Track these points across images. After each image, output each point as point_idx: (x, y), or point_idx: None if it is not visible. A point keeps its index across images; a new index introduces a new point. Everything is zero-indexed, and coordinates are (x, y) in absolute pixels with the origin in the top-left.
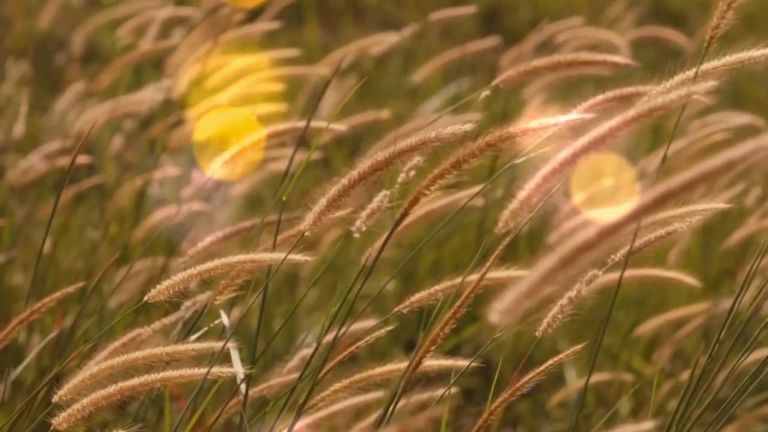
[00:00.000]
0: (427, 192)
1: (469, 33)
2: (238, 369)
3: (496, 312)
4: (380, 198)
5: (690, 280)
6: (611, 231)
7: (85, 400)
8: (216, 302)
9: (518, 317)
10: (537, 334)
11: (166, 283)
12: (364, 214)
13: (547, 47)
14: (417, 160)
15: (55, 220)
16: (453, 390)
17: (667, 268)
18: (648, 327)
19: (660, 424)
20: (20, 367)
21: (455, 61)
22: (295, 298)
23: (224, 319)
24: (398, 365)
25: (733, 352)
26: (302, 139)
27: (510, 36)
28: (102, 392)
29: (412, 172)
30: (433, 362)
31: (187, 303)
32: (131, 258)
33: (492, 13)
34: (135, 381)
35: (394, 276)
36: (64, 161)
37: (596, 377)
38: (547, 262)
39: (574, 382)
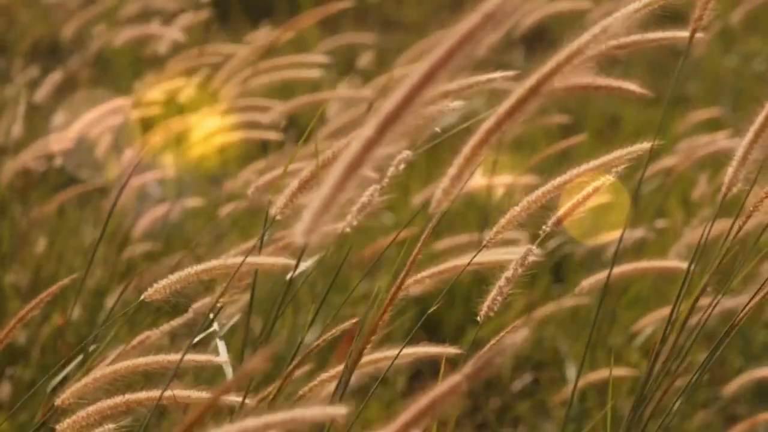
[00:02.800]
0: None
1: None
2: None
3: (298, 233)
4: (370, 192)
5: (683, 265)
6: (390, 122)
7: (90, 408)
8: (219, 305)
9: (322, 234)
10: (479, 318)
11: (162, 282)
12: (354, 208)
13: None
14: (406, 153)
15: (54, 220)
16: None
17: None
18: (647, 322)
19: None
20: (55, 381)
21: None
22: (295, 300)
23: (216, 327)
24: (386, 353)
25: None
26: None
27: (508, 35)
28: (108, 402)
29: (402, 165)
30: (425, 349)
31: (195, 305)
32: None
33: None
34: (142, 395)
35: (366, 274)
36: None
37: (596, 375)
38: (335, 170)
39: (574, 381)
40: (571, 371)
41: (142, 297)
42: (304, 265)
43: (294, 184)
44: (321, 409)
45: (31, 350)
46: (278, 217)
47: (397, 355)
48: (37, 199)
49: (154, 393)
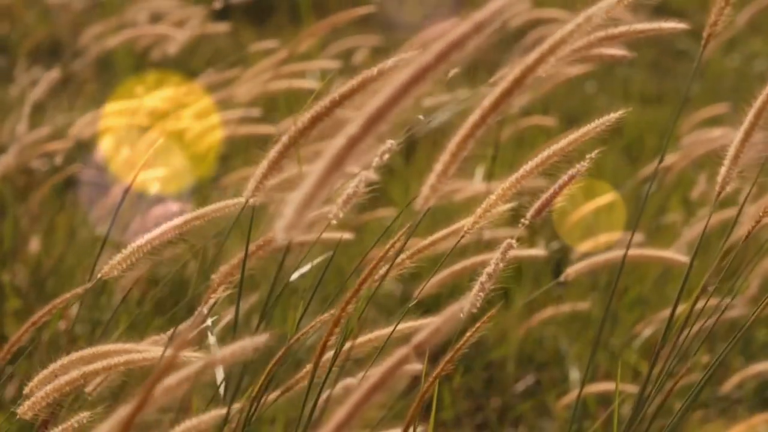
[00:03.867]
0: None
1: None
2: (216, 353)
3: (279, 230)
4: (356, 182)
5: (682, 258)
6: (375, 121)
7: (48, 387)
8: (211, 299)
9: (303, 228)
10: (461, 315)
11: (117, 257)
12: (339, 200)
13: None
14: (391, 143)
15: (52, 218)
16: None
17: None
18: (648, 324)
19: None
20: None
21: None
22: (295, 302)
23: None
24: (369, 335)
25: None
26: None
27: (509, 34)
28: (64, 378)
29: (387, 155)
30: (415, 323)
31: (201, 309)
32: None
33: None
34: (98, 364)
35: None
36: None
37: (601, 386)
38: (318, 166)
39: (579, 388)
40: (572, 372)
41: (99, 275)
42: (300, 267)
43: (263, 165)
44: (238, 345)
45: (31, 350)
46: (250, 201)
47: (390, 334)
48: (36, 198)
49: (109, 361)
